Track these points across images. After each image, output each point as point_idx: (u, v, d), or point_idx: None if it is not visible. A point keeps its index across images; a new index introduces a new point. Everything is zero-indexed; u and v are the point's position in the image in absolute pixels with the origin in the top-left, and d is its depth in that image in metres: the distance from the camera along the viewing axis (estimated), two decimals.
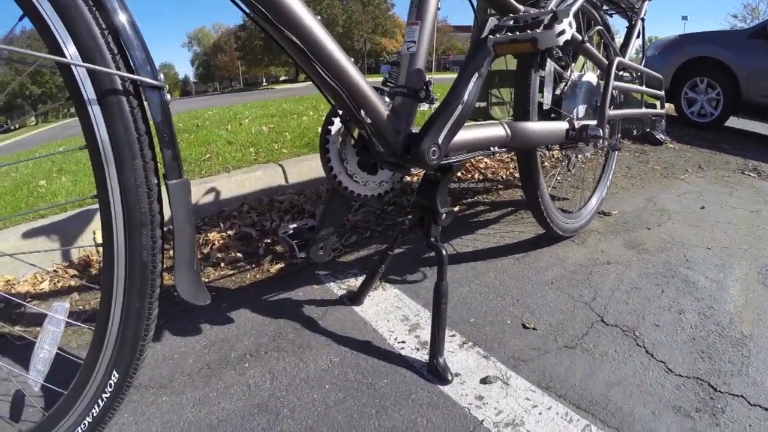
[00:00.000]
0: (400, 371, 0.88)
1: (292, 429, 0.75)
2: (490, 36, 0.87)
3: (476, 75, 0.85)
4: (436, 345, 0.88)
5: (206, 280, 1.25)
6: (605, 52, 1.51)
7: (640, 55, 1.85)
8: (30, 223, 1.38)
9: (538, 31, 0.85)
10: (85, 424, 0.61)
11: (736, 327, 1.02)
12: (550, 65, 1.25)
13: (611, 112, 1.15)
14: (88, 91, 0.51)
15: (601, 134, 1.11)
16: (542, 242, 1.45)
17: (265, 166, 1.92)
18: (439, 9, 0.88)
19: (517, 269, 1.29)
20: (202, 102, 13.27)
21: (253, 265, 1.32)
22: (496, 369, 0.89)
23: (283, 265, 1.32)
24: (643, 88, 1.49)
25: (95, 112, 0.51)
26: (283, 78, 45.73)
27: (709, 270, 1.28)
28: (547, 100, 1.28)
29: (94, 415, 0.60)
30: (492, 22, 0.91)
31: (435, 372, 0.86)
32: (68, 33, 0.49)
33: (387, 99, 0.85)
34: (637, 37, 1.56)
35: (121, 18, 0.51)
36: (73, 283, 1.24)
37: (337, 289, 1.19)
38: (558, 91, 1.31)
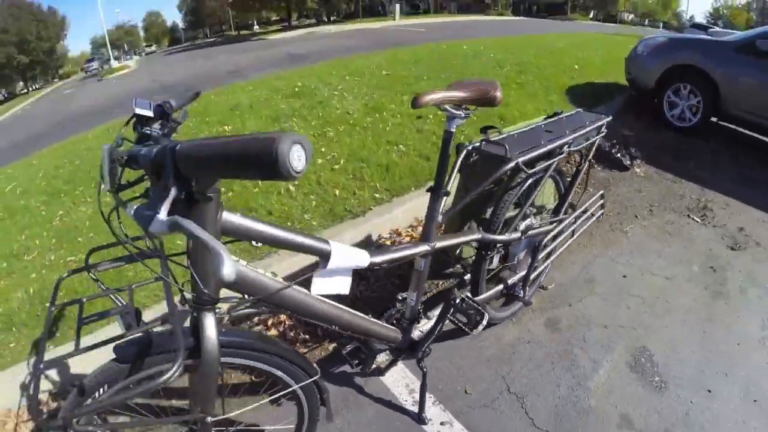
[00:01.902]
0: (404, 417, 1.65)
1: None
2: None
3: None
4: (422, 402, 1.62)
5: None
6: None
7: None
8: None
9: None
10: None
11: (587, 401, 1.70)
12: None
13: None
14: None
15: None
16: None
17: None
18: None
19: (469, 348, 1.95)
20: (209, 65, 13.31)
21: (317, 344, 1.95)
22: (447, 417, 1.62)
23: (336, 344, 1.93)
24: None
25: None
26: (274, 18, 44.98)
27: (594, 350, 1.90)
28: None
29: None
30: None
31: (421, 418, 1.62)
32: None
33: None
34: None
35: None
36: None
37: (373, 364, 1.88)
38: None
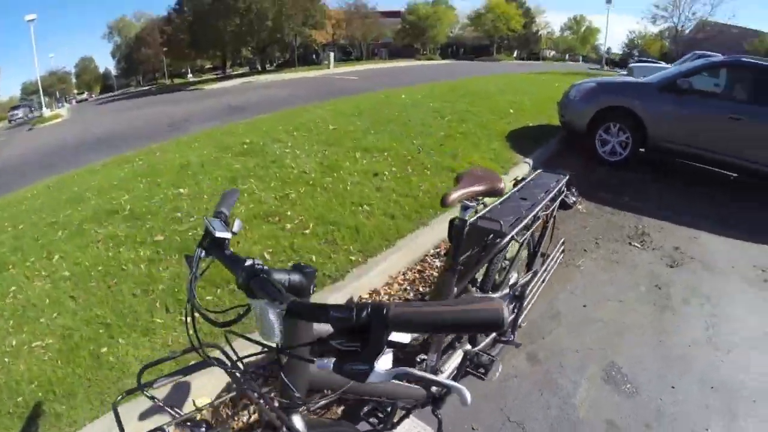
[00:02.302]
0: None
1: None
2: None
3: None
4: None
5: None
6: None
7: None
8: None
9: None
10: None
11: (577, 413, 1.98)
12: None
13: None
14: None
15: None
16: None
17: None
18: None
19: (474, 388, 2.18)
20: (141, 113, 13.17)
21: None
22: None
23: (344, 406, 2.05)
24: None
25: None
26: (208, 66, 45.75)
27: (572, 372, 2.24)
28: None
29: None
30: None
31: None
32: None
33: None
34: None
35: None
36: None
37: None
38: None
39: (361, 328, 0.68)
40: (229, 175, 4.31)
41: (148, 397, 0.89)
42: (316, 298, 2.51)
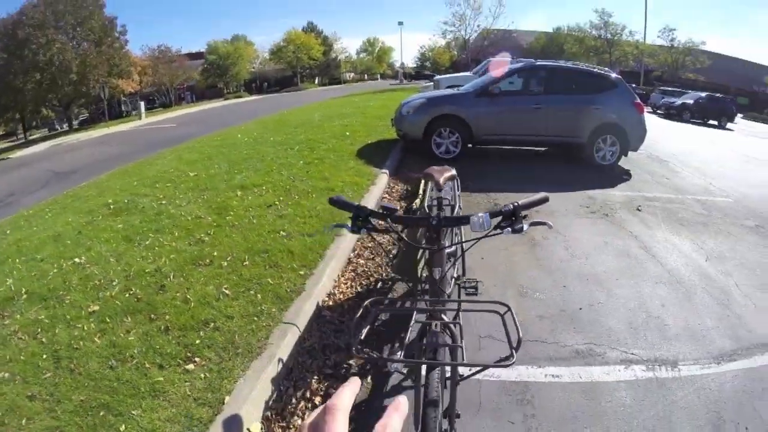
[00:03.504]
0: None
1: None
2: None
3: None
4: None
5: None
6: None
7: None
8: None
9: None
10: None
11: None
12: None
13: None
14: None
15: None
16: None
17: None
18: None
19: None
20: None
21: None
22: None
23: None
24: None
25: None
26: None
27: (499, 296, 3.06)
28: None
29: None
30: None
31: None
32: None
33: None
34: None
35: None
36: None
37: None
38: None
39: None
40: (120, 234, 4.16)
41: None
42: (295, 309, 2.90)
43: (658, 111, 22.96)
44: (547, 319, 2.94)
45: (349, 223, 1.64)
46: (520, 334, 1.29)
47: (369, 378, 2.56)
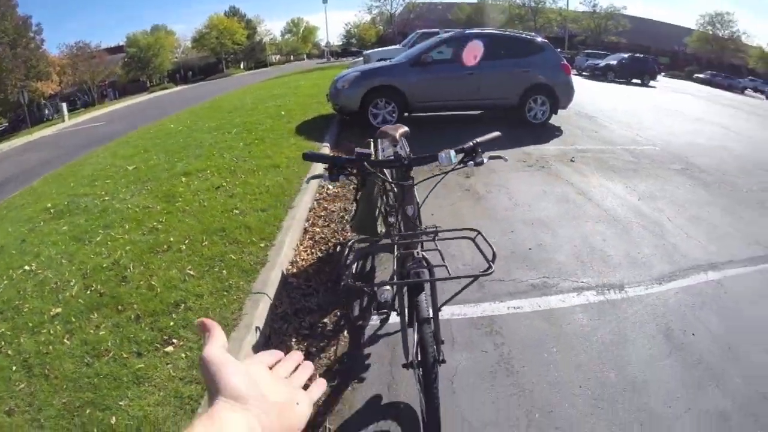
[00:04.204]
0: None
1: None
2: None
3: None
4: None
5: None
6: None
7: None
8: None
9: None
10: None
11: None
12: None
13: None
14: None
15: None
16: None
17: None
18: None
19: None
20: None
21: None
22: None
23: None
24: None
25: None
26: None
27: (455, 250, 3.30)
28: None
29: None
30: None
31: None
32: None
33: None
34: None
35: None
36: None
37: None
38: None
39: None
40: (68, 235, 3.98)
41: None
42: (263, 279, 2.98)
43: (584, 73, 24.23)
44: (500, 260, 3.17)
45: (327, 174, 1.76)
46: (494, 249, 1.50)
47: (345, 332, 2.72)
